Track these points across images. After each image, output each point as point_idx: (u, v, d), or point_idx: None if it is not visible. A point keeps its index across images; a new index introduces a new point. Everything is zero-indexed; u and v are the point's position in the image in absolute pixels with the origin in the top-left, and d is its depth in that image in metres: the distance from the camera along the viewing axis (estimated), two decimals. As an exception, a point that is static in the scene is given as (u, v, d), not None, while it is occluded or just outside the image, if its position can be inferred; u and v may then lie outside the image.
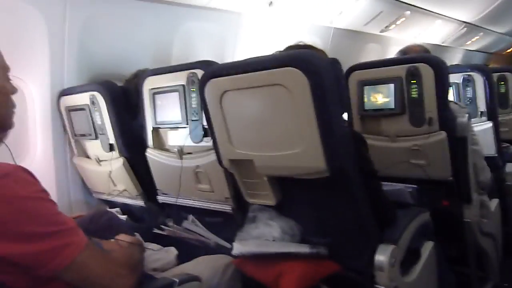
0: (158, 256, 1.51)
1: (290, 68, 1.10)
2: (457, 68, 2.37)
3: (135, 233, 1.43)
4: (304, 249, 1.27)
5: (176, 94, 1.63)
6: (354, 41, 3.93)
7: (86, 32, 2.08)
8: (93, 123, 1.92)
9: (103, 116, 1.87)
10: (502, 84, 2.59)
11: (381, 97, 1.72)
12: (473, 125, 1.79)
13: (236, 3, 2.65)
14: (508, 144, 2.59)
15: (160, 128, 1.78)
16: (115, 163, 1.90)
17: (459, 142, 1.65)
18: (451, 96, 2.08)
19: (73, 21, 2.00)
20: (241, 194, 1.45)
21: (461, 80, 2.29)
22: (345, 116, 1.78)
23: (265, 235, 1.33)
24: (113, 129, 1.86)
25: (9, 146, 1.09)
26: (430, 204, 1.61)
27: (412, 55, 1.93)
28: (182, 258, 1.54)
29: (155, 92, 1.71)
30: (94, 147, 2.00)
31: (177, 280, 1.14)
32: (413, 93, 1.65)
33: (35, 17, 1.87)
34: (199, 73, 1.54)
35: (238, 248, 1.34)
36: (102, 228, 1.46)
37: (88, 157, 2.08)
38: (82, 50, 2.10)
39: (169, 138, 1.77)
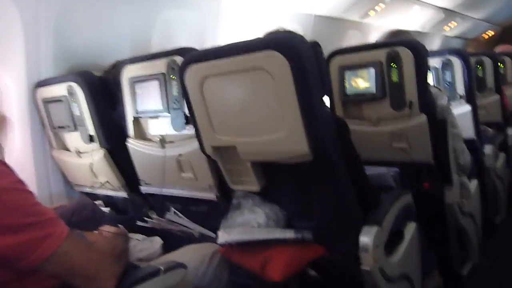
0: (143, 246, 1.51)
1: (271, 51, 1.09)
2: (436, 53, 2.40)
3: (119, 225, 1.41)
4: (289, 234, 1.27)
5: (156, 83, 1.60)
6: (335, 29, 3.93)
7: (62, 22, 2.01)
8: (71, 114, 1.87)
9: (82, 107, 1.83)
10: (480, 68, 2.63)
11: (362, 82, 1.73)
12: (452, 108, 1.82)
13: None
14: (486, 127, 2.64)
15: (140, 117, 1.75)
16: (96, 155, 1.86)
17: (439, 125, 1.68)
18: (430, 81, 2.10)
19: (47, 10, 1.94)
20: (225, 181, 1.44)
21: (440, 65, 2.31)
22: (326, 100, 1.79)
23: (250, 222, 1.32)
24: (92, 120, 1.82)
25: None
26: (411, 187, 1.64)
27: (392, 40, 1.94)
28: (167, 248, 1.54)
29: (135, 81, 1.68)
30: (73, 139, 1.95)
31: (162, 268, 1.12)
32: (393, 77, 1.67)
33: (6, 6, 1.81)
34: (179, 60, 1.51)
35: (222, 236, 1.33)
36: (85, 220, 1.44)
37: (68, 149, 2.04)
38: (59, 41, 2.03)
39: (150, 127, 1.74)
